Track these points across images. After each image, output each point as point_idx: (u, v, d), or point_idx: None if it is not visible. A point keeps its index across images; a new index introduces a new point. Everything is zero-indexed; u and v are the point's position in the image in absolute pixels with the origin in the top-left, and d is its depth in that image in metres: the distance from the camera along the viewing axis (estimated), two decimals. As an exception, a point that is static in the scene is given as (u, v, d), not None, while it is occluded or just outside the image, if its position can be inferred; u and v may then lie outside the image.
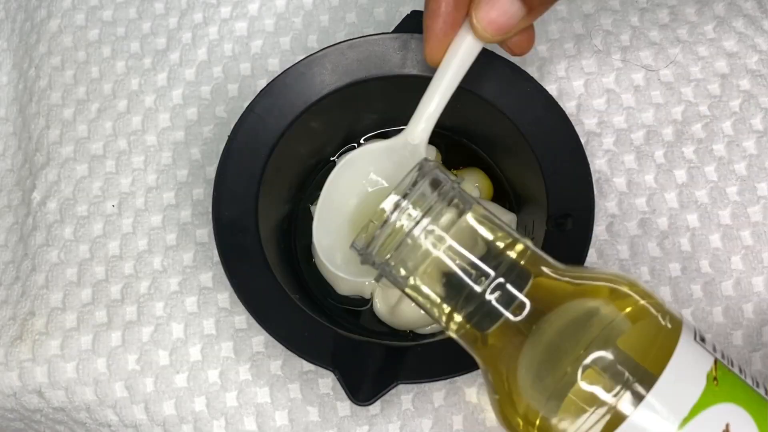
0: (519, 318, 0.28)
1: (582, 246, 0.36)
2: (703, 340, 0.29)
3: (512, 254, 0.29)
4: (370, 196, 0.37)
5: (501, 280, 0.29)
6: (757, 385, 0.29)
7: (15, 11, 0.51)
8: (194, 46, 0.48)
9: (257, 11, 0.49)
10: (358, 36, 0.40)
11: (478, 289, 0.29)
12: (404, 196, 0.29)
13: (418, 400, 0.40)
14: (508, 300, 0.29)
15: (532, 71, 0.45)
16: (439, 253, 0.29)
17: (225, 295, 0.42)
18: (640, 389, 0.26)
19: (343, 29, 0.48)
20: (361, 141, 0.44)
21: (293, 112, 0.39)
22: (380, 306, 0.40)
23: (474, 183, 0.42)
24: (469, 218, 0.29)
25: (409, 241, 0.29)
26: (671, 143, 0.44)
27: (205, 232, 0.43)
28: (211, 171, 0.44)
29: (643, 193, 0.43)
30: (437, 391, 0.40)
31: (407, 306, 0.39)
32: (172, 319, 0.42)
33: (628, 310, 0.28)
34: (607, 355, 0.27)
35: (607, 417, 0.27)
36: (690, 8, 0.47)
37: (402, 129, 0.39)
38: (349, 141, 0.44)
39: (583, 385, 0.27)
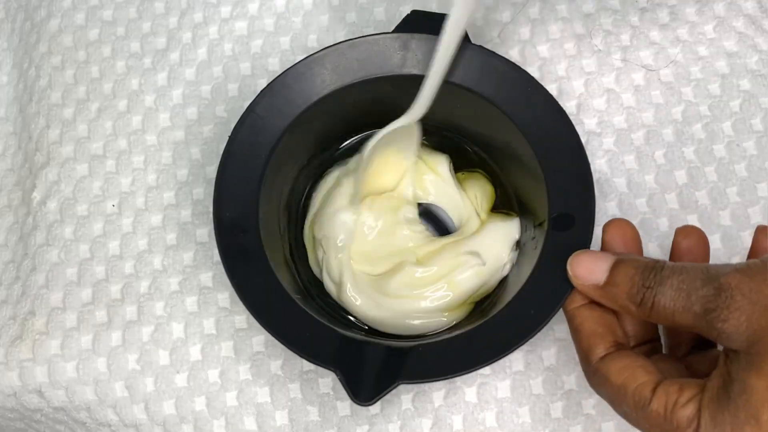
0: None
1: (583, 246, 0.36)
2: None
3: None
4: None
5: None
6: None
7: (15, 11, 0.51)
8: (194, 45, 0.48)
9: (257, 11, 0.49)
10: (358, 36, 0.40)
11: None
12: None
13: (418, 399, 0.40)
14: None
15: (533, 71, 0.45)
16: None
17: (225, 295, 0.42)
18: None
19: (343, 29, 0.48)
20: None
21: (293, 112, 0.39)
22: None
23: (477, 187, 0.42)
24: None
25: None
26: (671, 143, 0.44)
27: (205, 232, 0.43)
28: (211, 171, 0.44)
29: (644, 193, 0.43)
30: (437, 391, 0.40)
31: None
32: (173, 319, 0.42)
33: None
34: None
35: None
36: (690, 8, 0.47)
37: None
38: (348, 141, 0.44)
39: None
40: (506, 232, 0.40)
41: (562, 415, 0.39)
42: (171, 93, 0.47)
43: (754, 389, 0.27)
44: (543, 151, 0.38)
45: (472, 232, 0.41)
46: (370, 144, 0.40)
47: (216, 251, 0.41)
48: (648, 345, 0.35)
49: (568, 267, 0.34)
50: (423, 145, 0.43)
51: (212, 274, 0.42)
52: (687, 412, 0.28)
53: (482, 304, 0.40)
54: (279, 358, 0.41)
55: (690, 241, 0.35)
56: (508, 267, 0.40)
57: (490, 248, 0.40)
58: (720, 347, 0.33)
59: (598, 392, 0.32)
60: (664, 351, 0.36)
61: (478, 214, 0.42)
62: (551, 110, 0.39)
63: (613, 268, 0.32)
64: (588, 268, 0.33)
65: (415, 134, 0.41)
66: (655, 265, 0.31)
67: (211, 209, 0.38)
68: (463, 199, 0.42)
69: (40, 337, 0.41)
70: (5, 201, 0.46)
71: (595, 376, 0.32)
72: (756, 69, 0.45)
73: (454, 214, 0.42)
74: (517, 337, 0.34)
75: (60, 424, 0.43)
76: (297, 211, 0.43)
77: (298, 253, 0.42)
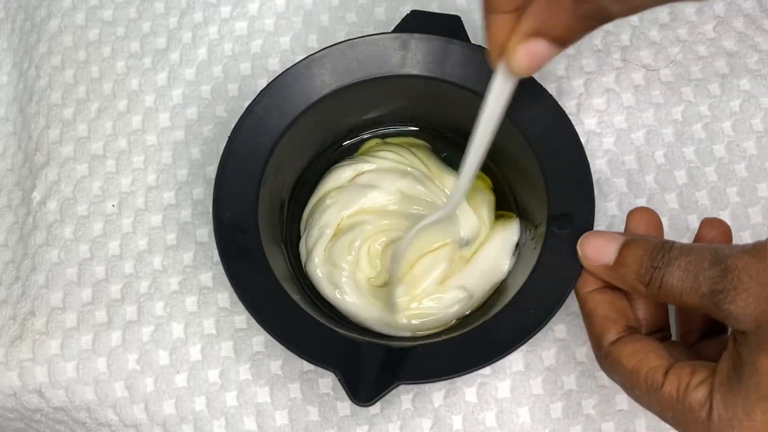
0: None
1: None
2: None
3: None
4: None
5: None
6: None
7: (15, 11, 0.51)
8: (194, 45, 0.48)
9: (257, 11, 0.49)
10: (358, 36, 0.40)
11: None
12: None
13: (417, 400, 0.40)
14: None
15: (533, 71, 0.45)
16: None
17: (225, 295, 0.42)
18: None
19: (343, 29, 0.48)
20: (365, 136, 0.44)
21: (293, 112, 0.39)
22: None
23: (482, 201, 0.42)
24: None
25: None
26: (671, 143, 0.44)
27: (205, 232, 0.43)
28: (211, 171, 0.44)
29: (644, 193, 0.43)
30: (437, 391, 0.40)
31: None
32: (173, 319, 0.42)
33: None
34: None
35: None
36: (690, 8, 0.47)
37: (400, 129, 0.41)
38: (348, 141, 0.44)
39: None
40: (505, 239, 0.40)
41: (562, 415, 0.39)
42: (171, 93, 0.47)
43: (765, 371, 0.27)
44: (543, 151, 0.38)
45: (471, 252, 0.41)
46: (407, 237, 0.39)
47: (216, 251, 0.41)
48: (658, 333, 0.35)
49: (578, 247, 0.34)
50: (432, 155, 0.43)
51: (212, 274, 0.42)
52: (699, 394, 0.29)
53: (479, 308, 0.40)
54: (279, 358, 0.41)
55: (715, 233, 0.35)
56: (506, 269, 0.40)
57: (478, 278, 0.40)
58: (729, 330, 0.33)
59: (610, 376, 0.32)
60: (673, 339, 0.36)
61: (485, 224, 0.41)
62: (551, 110, 0.39)
63: (623, 249, 0.32)
64: (597, 249, 0.33)
65: (456, 222, 0.40)
66: (663, 246, 0.31)
67: (211, 209, 0.38)
68: (476, 218, 0.42)
69: (40, 337, 0.41)
70: (5, 201, 0.46)
71: (607, 360, 0.32)
72: (756, 69, 0.45)
73: (468, 232, 0.42)
74: (517, 337, 0.34)
75: (60, 424, 0.43)
76: (297, 210, 0.43)
77: (297, 252, 0.42)
